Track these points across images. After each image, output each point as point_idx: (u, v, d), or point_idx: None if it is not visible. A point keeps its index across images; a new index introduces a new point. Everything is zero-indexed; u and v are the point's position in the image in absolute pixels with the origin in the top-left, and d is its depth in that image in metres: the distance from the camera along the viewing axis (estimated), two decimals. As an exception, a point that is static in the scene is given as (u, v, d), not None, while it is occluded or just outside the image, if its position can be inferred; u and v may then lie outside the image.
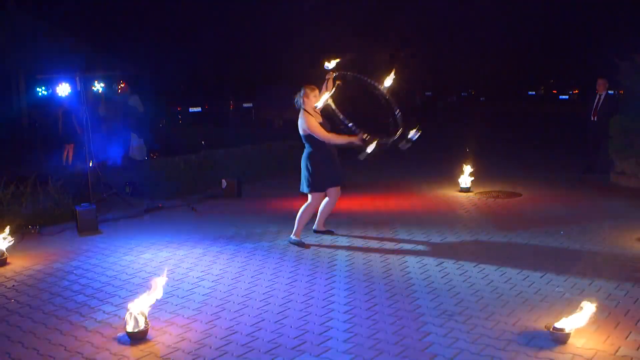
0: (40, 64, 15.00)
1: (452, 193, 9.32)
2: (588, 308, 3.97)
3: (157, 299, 4.30)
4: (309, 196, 6.46)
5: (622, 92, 11.07)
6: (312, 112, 6.30)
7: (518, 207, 8.17)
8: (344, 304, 4.66)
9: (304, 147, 6.44)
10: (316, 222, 6.85)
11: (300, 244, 6.44)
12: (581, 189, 9.44)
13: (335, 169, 6.43)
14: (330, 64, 6.32)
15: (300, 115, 6.33)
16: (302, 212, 6.50)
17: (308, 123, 6.22)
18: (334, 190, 6.56)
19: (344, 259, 5.90)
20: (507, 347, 3.85)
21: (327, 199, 6.62)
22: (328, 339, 4.03)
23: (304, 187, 6.45)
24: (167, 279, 4.35)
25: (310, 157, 6.35)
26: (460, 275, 5.30)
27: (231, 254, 6.15)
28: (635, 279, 5.10)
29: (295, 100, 6.39)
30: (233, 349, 3.92)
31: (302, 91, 6.33)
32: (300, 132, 6.35)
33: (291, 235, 6.55)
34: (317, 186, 6.38)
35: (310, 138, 6.31)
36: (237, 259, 5.97)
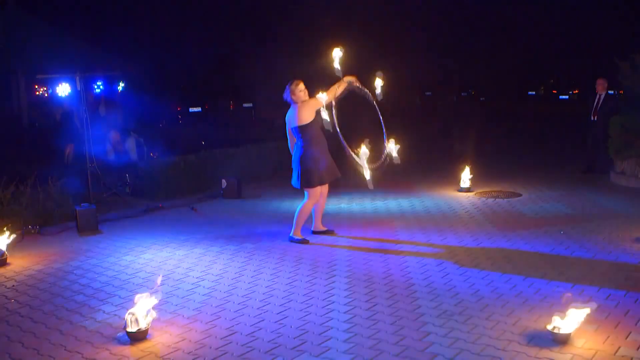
0: (40, 64, 15.00)
1: (452, 193, 9.32)
2: (582, 309, 3.97)
3: (156, 301, 4.29)
4: (305, 193, 6.47)
5: (622, 92, 11.07)
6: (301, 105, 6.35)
7: (518, 207, 8.17)
8: (344, 304, 4.66)
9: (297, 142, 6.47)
10: (313, 223, 6.85)
11: (302, 242, 6.46)
12: (581, 188, 9.44)
13: (327, 163, 6.45)
14: (337, 66, 6.32)
15: (290, 109, 6.36)
16: (300, 210, 6.51)
17: (299, 114, 6.24)
18: (324, 187, 6.58)
19: (344, 259, 5.90)
20: (507, 347, 3.85)
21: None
22: (328, 339, 4.03)
23: (296, 183, 6.46)
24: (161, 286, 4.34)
25: (302, 151, 6.36)
26: (460, 275, 5.30)
27: (231, 254, 6.15)
28: (635, 279, 5.09)
29: (284, 97, 6.41)
30: (233, 349, 3.92)
31: (287, 88, 6.36)
32: (294, 124, 6.35)
33: (291, 234, 6.56)
34: (312, 182, 6.37)
35: (302, 131, 6.31)
36: (237, 259, 5.97)
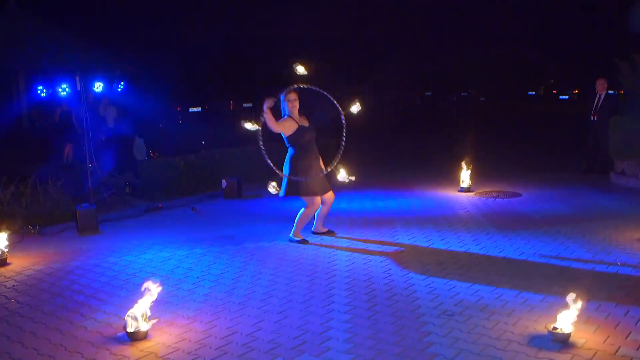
0: (41, 64, 14.98)
1: (452, 193, 9.32)
2: (575, 301, 3.97)
3: (153, 300, 4.28)
4: (304, 200, 6.44)
5: (622, 92, 11.07)
6: (296, 117, 6.34)
7: (518, 207, 8.17)
8: (344, 304, 4.66)
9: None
10: (314, 224, 6.84)
11: (301, 242, 6.46)
12: (581, 188, 9.44)
13: (314, 174, 6.35)
14: (300, 70, 6.29)
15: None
16: (301, 215, 6.50)
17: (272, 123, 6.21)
18: (328, 195, 6.55)
19: (344, 259, 5.90)
20: (507, 347, 3.85)
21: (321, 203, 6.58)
22: (328, 339, 4.03)
23: (282, 192, 6.40)
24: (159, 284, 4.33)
25: (292, 159, 6.33)
26: (460, 275, 5.30)
27: (231, 254, 6.15)
28: (635, 279, 5.09)
29: (281, 107, 6.41)
30: (233, 349, 3.92)
31: (281, 96, 6.34)
32: (283, 135, 6.36)
33: (290, 235, 6.56)
34: (307, 190, 6.33)
35: (292, 140, 6.31)
36: (237, 259, 5.97)
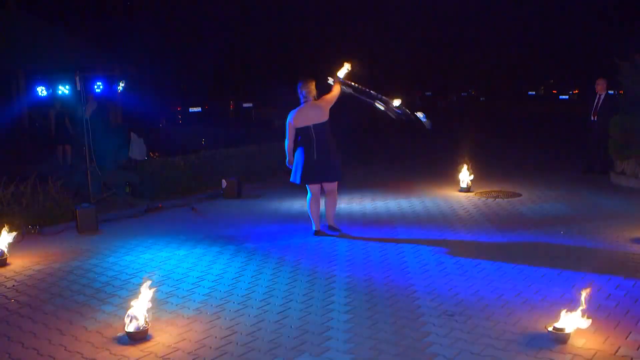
0: (40, 64, 14.99)
1: (452, 193, 9.32)
2: (584, 308, 3.97)
3: (150, 300, 4.27)
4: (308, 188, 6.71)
5: (622, 92, 11.06)
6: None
7: (518, 207, 8.17)
8: (344, 304, 4.66)
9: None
10: (326, 219, 6.99)
11: (319, 234, 6.74)
12: (581, 188, 9.44)
13: (330, 162, 6.56)
14: (341, 73, 6.51)
15: (307, 107, 6.45)
16: (308, 206, 6.76)
17: (324, 110, 6.42)
18: (330, 186, 6.75)
19: (344, 259, 5.90)
20: (507, 347, 3.85)
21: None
22: (328, 339, 4.03)
23: (301, 180, 6.60)
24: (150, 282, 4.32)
25: (326, 147, 6.52)
26: (460, 275, 5.30)
27: (231, 254, 6.15)
28: (635, 279, 5.09)
29: (303, 95, 6.51)
30: (233, 349, 3.92)
31: (306, 85, 6.49)
32: (315, 121, 6.42)
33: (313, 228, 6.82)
34: (305, 179, 6.58)
35: (325, 127, 6.46)
36: (237, 259, 5.97)
